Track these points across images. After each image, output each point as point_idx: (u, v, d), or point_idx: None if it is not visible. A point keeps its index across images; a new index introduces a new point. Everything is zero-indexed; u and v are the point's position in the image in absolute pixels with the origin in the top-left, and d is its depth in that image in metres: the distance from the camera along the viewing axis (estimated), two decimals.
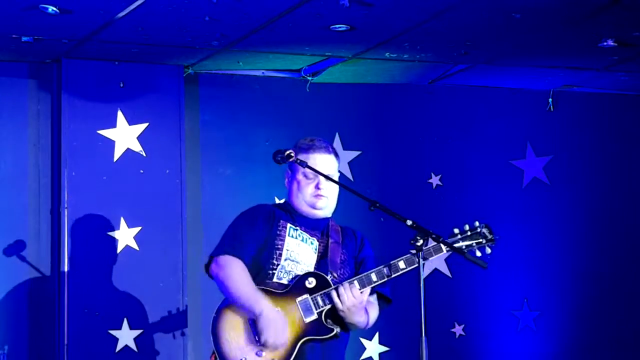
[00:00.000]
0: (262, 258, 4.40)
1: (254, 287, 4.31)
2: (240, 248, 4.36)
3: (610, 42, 5.70)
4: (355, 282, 4.37)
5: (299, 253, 4.42)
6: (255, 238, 4.40)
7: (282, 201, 4.69)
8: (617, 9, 5.16)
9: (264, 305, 4.27)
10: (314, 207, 4.48)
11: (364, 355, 6.44)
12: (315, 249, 4.46)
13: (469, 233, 4.47)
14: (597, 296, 6.94)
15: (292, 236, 4.44)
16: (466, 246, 4.44)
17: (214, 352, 4.33)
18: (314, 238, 4.49)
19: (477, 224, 4.48)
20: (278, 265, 4.38)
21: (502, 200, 6.81)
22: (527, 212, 6.87)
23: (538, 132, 6.94)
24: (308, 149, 4.50)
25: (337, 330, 4.36)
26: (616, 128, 7.10)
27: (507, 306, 6.77)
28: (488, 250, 4.48)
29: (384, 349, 6.47)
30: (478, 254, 4.45)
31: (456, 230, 4.47)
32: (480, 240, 4.47)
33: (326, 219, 4.57)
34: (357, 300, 4.34)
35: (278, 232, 4.42)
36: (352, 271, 4.51)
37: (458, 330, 6.64)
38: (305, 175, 4.48)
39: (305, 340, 4.31)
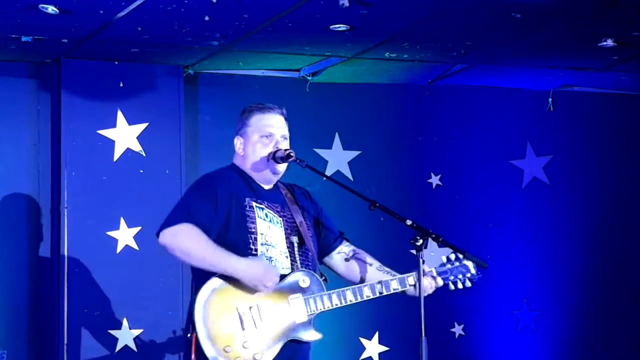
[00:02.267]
0: (233, 237, 4.24)
1: (218, 249, 4.14)
2: (193, 218, 4.16)
3: (610, 42, 5.70)
4: (434, 270, 4.37)
5: (271, 236, 4.31)
6: (210, 210, 4.20)
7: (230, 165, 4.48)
8: (617, 9, 5.16)
9: (234, 262, 4.14)
10: (274, 172, 4.36)
11: (364, 355, 6.44)
12: (282, 226, 4.35)
13: (456, 264, 4.46)
14: (597, 296, 6.94)
15: (261, 217, 4.30)
16: (455, 277, 4.48)
17: (194, 331, 4.15)
18: (277, 215, 4.35)
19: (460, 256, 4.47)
20: (257, 250, 4.25)
21: (502, 200, 6.81)
22: (527, 212, 6.87)
23: (538, 132, 6.94)
24: (262, 110, 4.39)
25: (321, 335, 4.30)
26: (616, 128, 7.10)
27: (507, 306, 6.77)
28: (468, 284, 4.49)
29: (384, 348, 6.47)
30: (468, 284, 4.47)
31: (444, 259, 4.47)
32: (466, 272, 4.48)
33: (277, 185, 4.45)
34: (438, 286, 4.37)
35: (247, 213, 4.27)
36: (315, 238, 4.44)
37: (458, 330, 6.65)
38: (264, 136, 4.35)
39: (290, 340, 4.23)
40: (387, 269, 4.47)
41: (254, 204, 4.31)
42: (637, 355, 6.95)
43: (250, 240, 4.26)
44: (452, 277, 4.45)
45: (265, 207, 4.34)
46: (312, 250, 4.40)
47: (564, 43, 5.79)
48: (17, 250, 5.91)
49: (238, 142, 4.43)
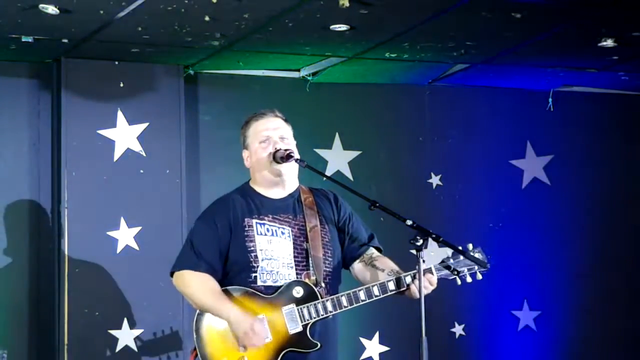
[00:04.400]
0: (236, 258, 4.28)
1: (218, 296, 4.23)
2: (199, 261, 4.28)
3: (610, 42, 5.70)
4: (433, 267, 4.28)
5: (273, 249, 4.29)
6: (214, 245, 4.29)
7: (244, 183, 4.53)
8: (617, 9, 5.16)
9: (230, 312, 4.20)
10: (277, 174, 4.35)
11: (364, 355, 6.45)
12: (289, 235, 4.33)
13: (460, 258, 4.33)
14: (597, 296, 6.94)
15: (261, 233, 4.31)
16: (458, 271, 4.39)
17: (195, 349, 4.25)
18: (285, 225, 4.34)
19: (470, 247, 4.39)
20: (257, 267, 4.27)
21: (502, 200, 6.82)
22: (527, 212, 6.87)
23: (538, 132, 6.95)
24: (257, 118, 4.44)
25: (320, 345, 4.26)
26: (616, 128, 7.11)
27: (507, 306, 6.77)
28: (479, 276, 4.41)
29: (384, 349, 6.47)
30: (469, 279, 4.40)
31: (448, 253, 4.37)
32: (472, 266, 4.37)
33: (295, 192, 4.43)
34: (433, 287, 4.27)
35: (246, 234, 4.29)
36: (336, 243, 4.41)
37: (458, 330, 6.65)
38: (262, 141, 4.37)
39: (288, 351, 4.22)
40: (399, 274, 4.34)
41: (253, 221, 4.32)
42: (637, 355, 6.96)
43: (251, 259, 4.28)
44: (455, 272, 4.35)
45: (269, 221, 4.34)
46: (321, 255, 4.35)
47: (564, 43, 5.80)
48: (17, 250, 5.91)
49: (245, 155, 4.48)
